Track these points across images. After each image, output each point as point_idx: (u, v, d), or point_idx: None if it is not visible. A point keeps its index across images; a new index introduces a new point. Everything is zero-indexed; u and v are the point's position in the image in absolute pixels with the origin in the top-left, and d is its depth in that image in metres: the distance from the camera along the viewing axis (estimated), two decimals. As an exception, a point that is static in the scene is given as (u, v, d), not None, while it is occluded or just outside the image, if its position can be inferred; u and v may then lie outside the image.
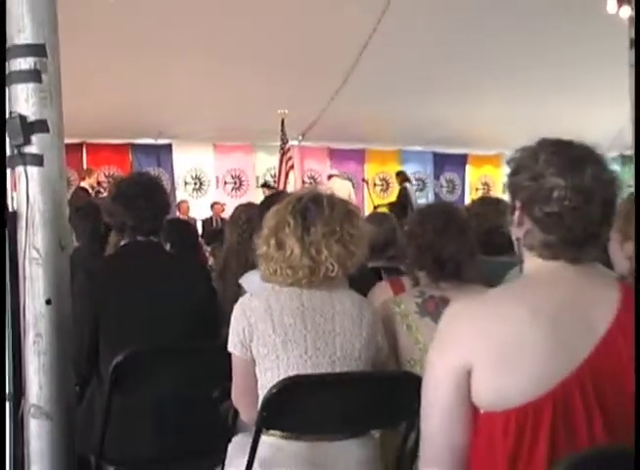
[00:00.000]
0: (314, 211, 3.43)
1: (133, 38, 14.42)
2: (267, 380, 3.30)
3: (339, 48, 16.18)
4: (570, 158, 2.44)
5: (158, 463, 4.29)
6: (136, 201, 4.33)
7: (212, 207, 18.85)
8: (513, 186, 2.53)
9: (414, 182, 21.87)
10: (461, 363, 2.41)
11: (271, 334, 3.33)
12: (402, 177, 19.46)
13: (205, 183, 20.70)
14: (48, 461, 4.24)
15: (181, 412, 4.19)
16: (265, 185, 18.78)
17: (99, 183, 15.93)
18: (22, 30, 4.22)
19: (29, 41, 4.23)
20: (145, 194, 4.40)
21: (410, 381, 3.21)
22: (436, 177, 23.03)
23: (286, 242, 3.39)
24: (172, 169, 20.06)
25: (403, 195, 18.77)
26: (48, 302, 4.26)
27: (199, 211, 19.09)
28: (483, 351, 2.38)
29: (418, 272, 3.94)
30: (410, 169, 22.32)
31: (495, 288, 2.64)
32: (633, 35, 11.27)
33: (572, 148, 2.47)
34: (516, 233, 2.55)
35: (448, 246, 3.83)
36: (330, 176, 19.38)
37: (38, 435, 4.25)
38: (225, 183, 20.94)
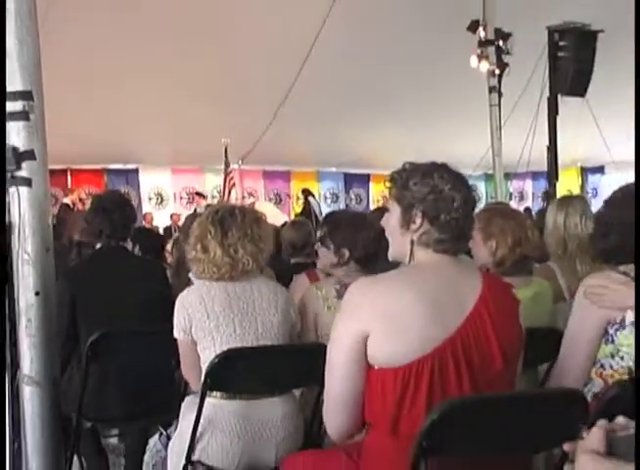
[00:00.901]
0: (229, 219, 3.50)
1: (100, 83, 14.37)
2: (206, 356, 3.33)
3: (269, 90, 16.30)
4: (456, 176, 2.52)
5: (124, 420, 4.29)
6: (111, 213, 4.36)
7: (171, 217, 18.76)
8: (410, 198, 2.55)
9: (328, 196, 22.21)
10: (359, 331, 2.44)
11: (206, 320, 3.37)
12: (306, 193, 19.55)
13: (165, 198, 20.66)
14: (39, 419, 4.19)
15: (143, 379, 4.20)
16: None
17: (80, 200, 15.74)
18: (12, 81, 4.20)
19: (19, 88, 4.21)
20: (118, 208, 4.45)
21: (321, 350, 3.25)
22: (347, 192, 23.29)
23: (209, 246, 3.46)
24: (139, 188, 20.01)
25: (307, 207, 18.86)
26: (37, 293, 4.22)
27: (161, 220, 19.03)
28: (378, 322, 2.41)
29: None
30: (326, 186, 22.66)
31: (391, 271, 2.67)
32: (491, 84, 11.72)
33: (453, 169, 2.56)
34: (409, 236, 2.57)
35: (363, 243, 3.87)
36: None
37: (30, 399, 4.20)
38: (181, 198, 20.92)
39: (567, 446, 1.92)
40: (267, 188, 21.81)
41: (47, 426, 4.22)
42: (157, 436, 4.73)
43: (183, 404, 3.62)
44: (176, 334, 3.46)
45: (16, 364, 4.23)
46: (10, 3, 4.17)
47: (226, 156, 18.28)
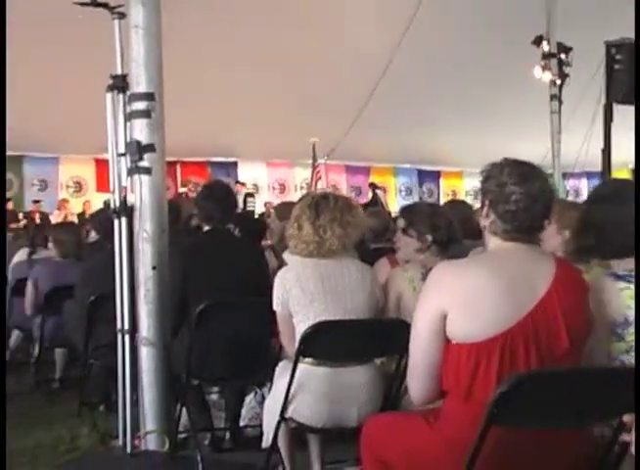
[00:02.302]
0: (323, 204, 3.54)
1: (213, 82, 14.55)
2: (301, 327, 3.36)
3: (352, 94, 16.37)
4: (522, 172, 2.48)
5: (225, 379, 4.35)
6: (220, 200, 4.42)
7: (265, 205, 18.91)
8: (484, 190, 2.57)
9: (402, 189, 22.17)
10: (439, 309, 2.44)
11: (301, 296, 3.39)
12: (373, 186, 19.50)
13: (259, 188, 20.82)
14: (153, 375, 4.27)
15: (242, 344, 4.24)
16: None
17: (189, 189, 16.00)
18: (139, 83, 4.26)
19: (144, 90, 4.28)
20: (226, 196, 4.51)
21: (402, 325, 3.25)
22: (420, 186, 23.20)
23: (303, 225, 3.48)
24: (237, 179, 20.18)
25: (375, 198, 18.78)
26: (154, 268, 4.29)
27: (254, 208, 19.20)
28: (456, 302, 2.41)
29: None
30: (401, 181, 22.60)
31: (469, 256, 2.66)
32: (552, 92, 11.65)
33: (525, 166, 2.52)
34: (483, 222, 2.57)
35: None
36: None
37: (147, 358, 4.26)
38: (273, 188, 21.08)
39: (626, 418, 1.85)
40: (349, 181, 21.86)
41: (160, 381, 4.29)
42: (252, 394, 4.79)
43: (277, 368, 3.65)
44: (275, 307, 3.48)
45: (135, 328, 4.32)
46: (138, 15, 4.24)
47: (314, 152, 18.43)
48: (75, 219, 15.24)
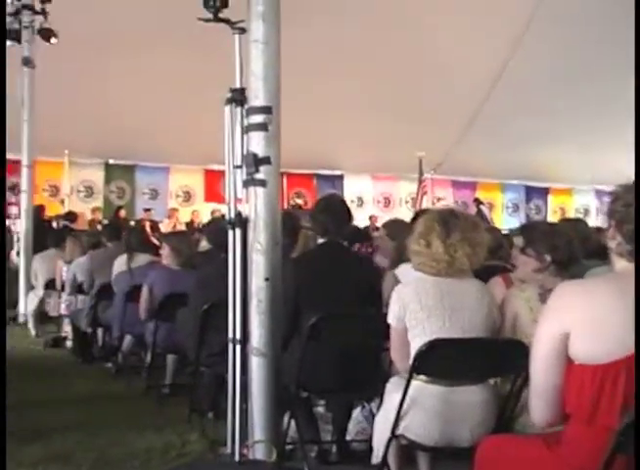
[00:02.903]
0: (453, 221, 3.48)
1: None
2: (416, 343, 3.33)
3: (459, 109, 16.28)
4: None
5: (335, 392, 4.36)
6: (335, 213, 4.45)
7: (370, 218, 18.90)
8: (611, 211, 2.49)
9: (509, 205, 21.87)
10: (561, 330, 2.39)
11: (419, 311, 3.36)
12: (477, 202, 19.26)
13: (365, 201, 20.86)
14: (263, 386, 4.33)
15: (352, 358, 4.24)
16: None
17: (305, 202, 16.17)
18: (257, 97, 4.35)
19: (261, 104, 4.36)
20: (341, 209, 4.53)
21: (518, 346, 3.21)
22: (527, 203, 22.77)
23: (432, 242, 3.43)
24: (343, 191, 20.23)
25: (479, 214, 18.52)
26: (266, 279, 4.36)
27: (359, 221, 19.20)
28: (580, 323, 2.35)
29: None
30: (508, 197, 22.28)
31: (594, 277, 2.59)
32: None
33: None
34: (610, 244, 2.50)
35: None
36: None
37: (257, 368, 4.34)
38: (378, 202, 21.10)
39: None
40: (455, 196, 21.63)
41: (269, 392, 4.35)
42: (359, 408, 4.78)
43: (388, 384, 3.64)
44: (390, 320, 3.47)
45: (246, 338, 4.40)
46: (258, 30, 4.33)
47: (420, 166, 18.36)
48: (184, 228, 15.62)
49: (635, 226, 2.38)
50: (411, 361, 3.23)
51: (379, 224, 16.72)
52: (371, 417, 4.60)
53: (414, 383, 3.24)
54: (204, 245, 7.10)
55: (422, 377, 3.27)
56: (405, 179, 20.64)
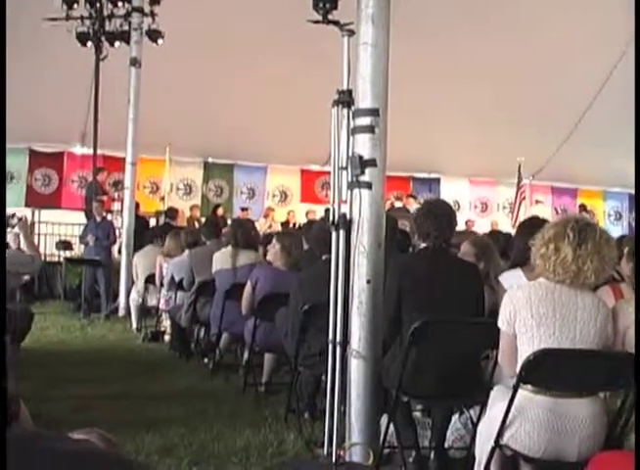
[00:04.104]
0: (587, 232, 3.35)
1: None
2: (524, 351, 3.27)
3: (560, 115, 15.94)
4: None
5: (436, 398, 4.33)
6: (439, 218, 4.42)
7: (466, 223, 18.66)
8: None
9: (612, 214, 21.37)
10: None
11: (529, 318, 3.29)
12: (582, 208, 18.84)
13: (462, 206, 20.63)
14: (362, 388, 4.35)
15: (454, 364, 4.21)
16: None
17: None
18: (364, 99, 4.37)
19: (369, 107, 4.37)
20: (445, 214, 4.49)
21: (630, 360, 3.12)
22: (630, 212, 22.10)
23: (561, 249, 3.33)
24: (439, 195, 20.05)
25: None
26: (368, 281, 4.37)
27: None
28: None
29: None
30: (610, 205, 21.73)
31: None
32: None
33: None
34: None
35: None
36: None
37: (357, 370, 4.37)
38: (475, 207, 20.83)
39: None
40: (554, 203, 21.16)
41: (368, 394, 4.37)
42: (457, 415, 4.74)
43: (492, 392, 3.59)
44: (500, 324, 3.41)
45: (346, 340, 4.41)
46: (367, 32, 4.34)
47: (519, 172, 18.07)
48: (279, 228, 15.78)
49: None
50: (518, 369, 3.18)
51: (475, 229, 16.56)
52: (469, 424, 4.56)
53: (520, 392, 3.19)
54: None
55: (528, 387, 3.22)
56: (503, 184, 20.31)
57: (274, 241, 6.47)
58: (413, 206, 15.43)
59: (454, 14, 13.65)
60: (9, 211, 8.67)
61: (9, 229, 7.36)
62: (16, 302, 6.18)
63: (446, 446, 4.58)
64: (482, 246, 5.33)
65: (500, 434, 3.25)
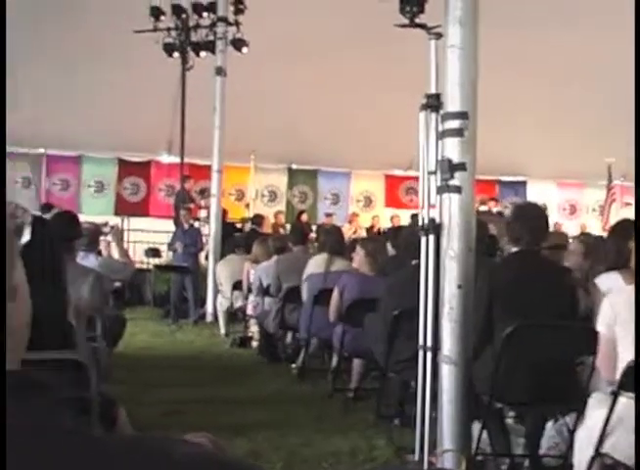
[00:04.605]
0: None
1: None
2: (625, 355, 3.19)
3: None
4: None
5: (530, 404, 4.26)
6: (530, 221, 4.35)
7: (554, 225, 18.29)
8: None
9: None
10: None
11: (630, 322, 3.20)
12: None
13: (549, 209, 20.25)
14: (454, 394, 4.31)
15: (549, 369, 4.13)
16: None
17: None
18: (453, 102, 4.34)
19: (457, 110, 4.34)
20: (536, 218, 4.42)
21: None
22: None
23: None
24: (525, 198, 19.74)
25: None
26: (459, 286, 4.33)
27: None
28: None
29: None
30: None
31: None
32: None
33: None
34: None
35: None
36: None
37: (447, 376, 4.32)
38: (563, 209, 20.46)
39: None
40: (647, 204, 20.59)
41: (460, 401, 4.32)
42: (551, 422, 4.65)
43: (591, 399, 3.52)
44: (599, 327, 3.35)
45: (437, 345, 4.39)
46: (455, 35, 4.32)
47: (609, 173, 17.66)
48: (364, 233, 15.78)
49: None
50: (619, 376, 3.10)
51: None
52: (564, 432, 4.46)
53: (621, 400, 3.11)
54: (388, 251, 7.14)
55: (629, 394, 3.13)
56: (592, 186, 19.86)
57: (358, 248, 6.49)
58: (493, 210, 15.20)
59: (541, 14, 13.45)
60: (101, 219, 8.96)
61: (101, 237, 7.55)
62: (109, 307, 6.33)
63: (541, 453, 4.50)
64: (592, 244, 5.24)
65: (600, 442, 3.18)
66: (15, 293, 0.75)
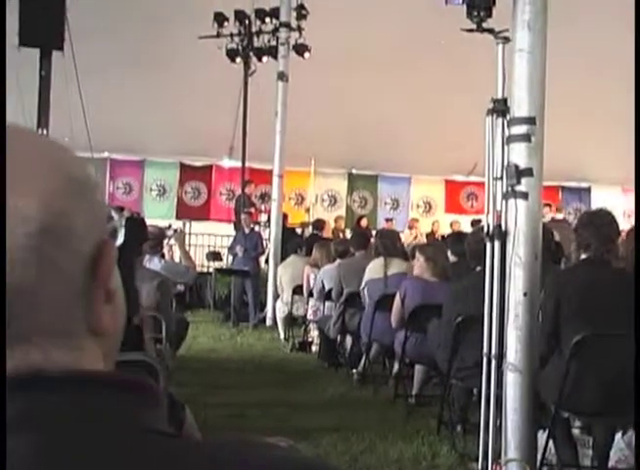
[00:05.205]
0: None
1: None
2: None
3: None
4: None
5: (599, 415, 4.19)
6: (599, 228, 4.29)
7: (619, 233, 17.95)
8: None
9: None
10: None
11: None
12: None
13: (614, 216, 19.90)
14: (519, 403, 4.27)
15: (619, 379, 4.06)
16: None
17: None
18: (520, 107, 4.31)
19: (525, 115, 4.31)
20: (605, 224, 4.35)
21: None
22: None
23: None
24: (589, 204, 19.42)
25: None
26: (525, 294, 4.29)
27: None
28: None
29: None
30: None
31: None
32: None
33: None
34: None
35: None
36: None
37: (513, 383, 4.29)
38: (629, 216, 20.01)
39: None
40: None
41: (525, 408, 4.28)
42: (619, 433, 4.56)
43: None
44: None
45: (502, 353, 4.35)
46: (523, 39, 4.28)
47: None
48: (424, 239, 15.69)
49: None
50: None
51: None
52: (634, 444, 4.38)
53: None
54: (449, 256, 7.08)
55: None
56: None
57: (417, 254, 6.48)
58: (548, 216, 14.96)
59: (607, 16, 13.25)
60: (162, 223, 9.10)
61: (165, 240, 7.67)
62: (173, 310, 6.43)
63: (609, 466, 4.43)
64: None
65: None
66: (113, 296, 0.77)
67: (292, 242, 11.51)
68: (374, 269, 7.24)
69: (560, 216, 15.06)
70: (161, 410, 0.75)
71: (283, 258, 11.35)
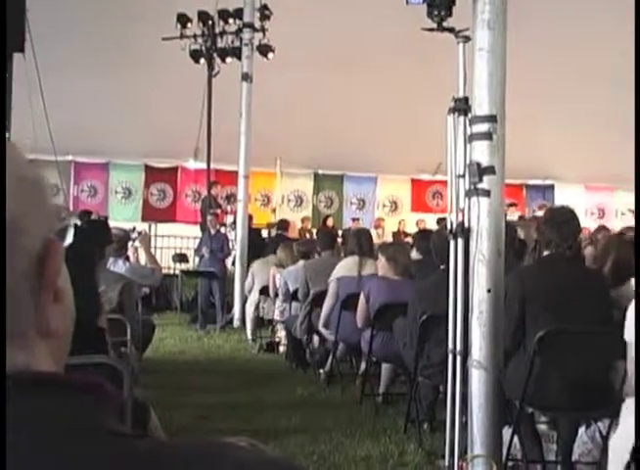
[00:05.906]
0: None
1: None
2: None
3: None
4: None
5: (563, 410, 4.23)
6: (560, 225, 4.32)
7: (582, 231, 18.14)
8: None
9: None
10: None
11: None
12: None
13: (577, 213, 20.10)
14: (484, 399, 4.28)
15: (583, 374, 4.09)
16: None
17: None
18: (481, 106, 4.33)
19: (486, 113, 4.33)
20: (567, 221, 4.39)
21: None
22: None
23: None
24: (553, 201, 19.57)
25: None
26: (488, 291, 4.31)
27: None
28: None
29: None
30: None
31: None
32: None
33: None
34: None
35: None
36: None
37: (478, 380, 4.31)
38: (592, 213, 20.28)
39: None
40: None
41: (490, 406, 4.30)
42: (583, 428, 4.61)
43: (624, 405, 3.46)
44: (626, 337, 3.29)
45: (467, 350, 4.37)
46: (484, 38, 4.30)
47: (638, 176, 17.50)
48: (390, 238, 15.75)
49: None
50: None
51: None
52: (597, 438, 4.43)
53: (656, 405, 3.07)
54: (413, 255, 7.09)
55: (664, 399, 3.10)
56: (623, 190, 19.67)
57: (379, 255, 6.48)
58: (515, 214, 15.06)
59: (566, 16, 13.39)
60: (128, 225, 9.02)
61: (130, 243, 7.60)
62: (139, 312, 6.37)
63: (573, 460, 4.47)
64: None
65: (637, 450, 3.13)
66: (61, 296, 0.75)
67: (259, 244, 11.48)
68: (347, 267, 7.16)
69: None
70: (121, 411, 0.74)
71: (249, 259, 11.31)
